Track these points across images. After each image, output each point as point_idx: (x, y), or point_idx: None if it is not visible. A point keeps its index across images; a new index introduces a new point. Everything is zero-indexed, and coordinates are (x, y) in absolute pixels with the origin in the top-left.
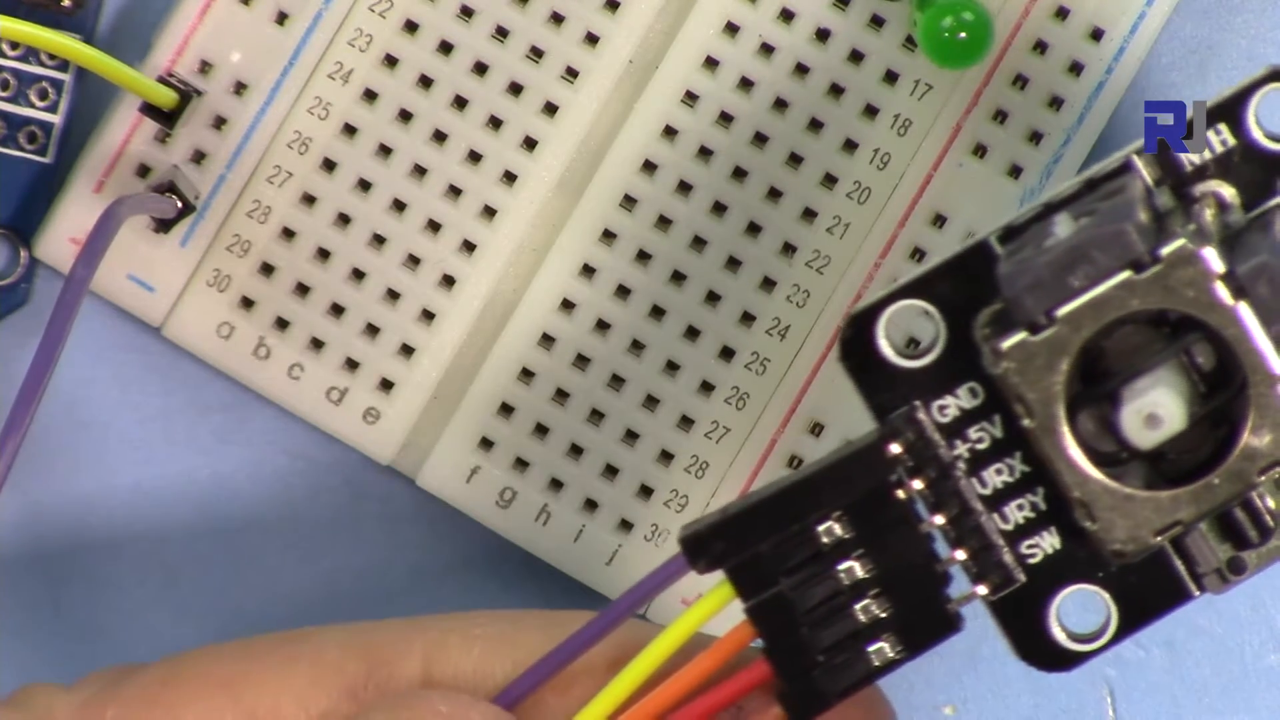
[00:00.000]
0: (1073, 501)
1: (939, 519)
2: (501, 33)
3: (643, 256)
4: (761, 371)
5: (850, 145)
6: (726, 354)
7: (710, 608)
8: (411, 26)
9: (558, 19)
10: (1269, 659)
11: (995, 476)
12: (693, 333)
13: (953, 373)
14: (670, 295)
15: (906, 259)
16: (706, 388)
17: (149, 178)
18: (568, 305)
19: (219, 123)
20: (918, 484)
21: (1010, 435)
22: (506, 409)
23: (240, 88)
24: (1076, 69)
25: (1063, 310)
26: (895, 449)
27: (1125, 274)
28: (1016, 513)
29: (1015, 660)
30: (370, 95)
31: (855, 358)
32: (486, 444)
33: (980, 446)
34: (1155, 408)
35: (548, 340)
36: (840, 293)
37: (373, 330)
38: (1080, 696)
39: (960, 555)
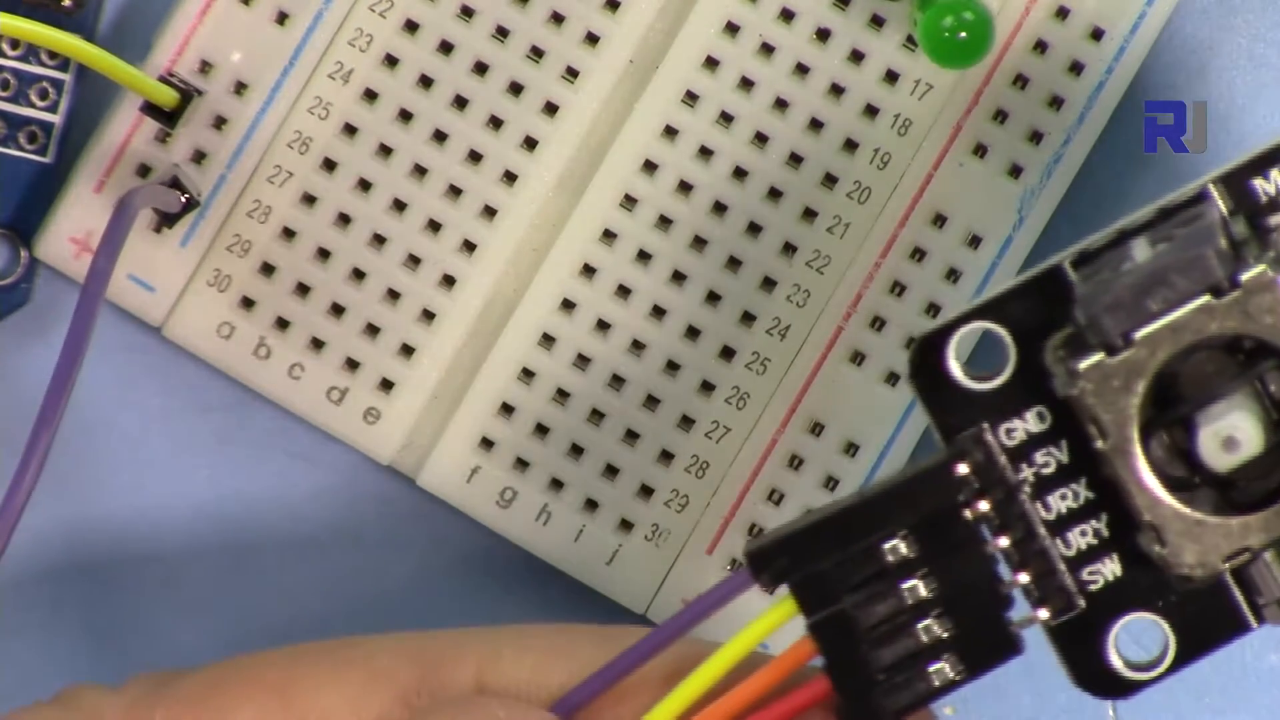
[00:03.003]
0: (1143, 525)
1: (1003, 541)
2: (501, 33)
3: (643, 256)
4: (761, 371)
5: (850, 145)
6: (726, 354)
7: (772, 623)
8: (411, 26)
9: (558, 19)
10: (1269, 659)
11: (1060, 501)
12: (693, 333)
13: (1021, 396)
14: (670, 295)
15: (907, 259)
16: (706, 388)
17: (149, 178)
18: (568, 305)
19: (219, 123)
20: (983, 506)
21: (1076, 461)
22: (506, 409)
23: (240, 88)
24: (1076, 69)
25: (1141, 333)
26: (963, 470)
27: (1204, 299)
28: (1079, 538)
29: (1016, 661)
30: (370, 95)
31: (925, 379)
32: (486, 444)
33: (1046, 471)
34: (1234, 431)
35: (548, 340)
36: (840, 293)
37: (373, 330)
38: (1080, 697)
39: (1023, 579)
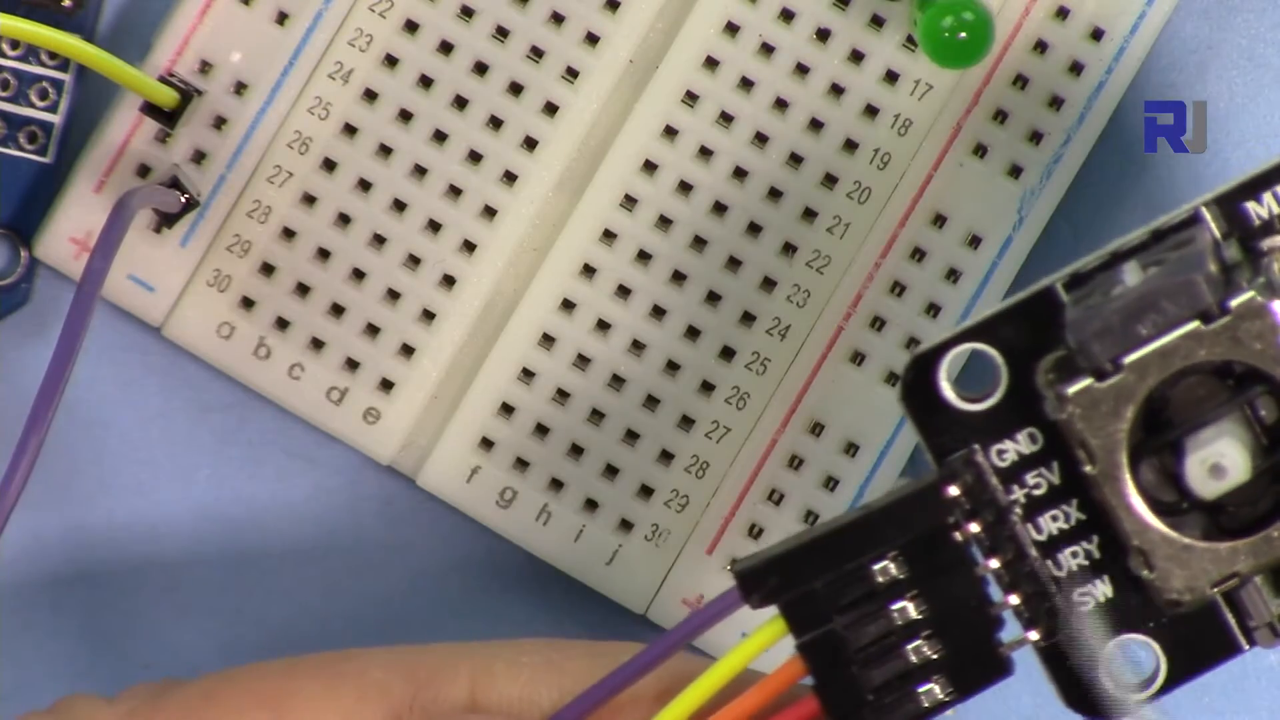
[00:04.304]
0: (1131, 550)
1: (994, 563)
2: (501, 33)
3: (643, 256)
4: (761, 371)
5: (850, 145)
6: (726, 354)
7: (762, 643)
8: (411, 26)
9: (558, 19)
10: (1269, 659)
11: (1051, 523)
12: (693, 333)
13: (1013, 418)
14: (670, 295)
15: (907, 259)
16: (706, 388)
17: (149, 178)
18: (568, 305)
19: (219, 123)
20: (974, 527)
21: (1067, 482)
22: (506, 409)
23: (240, 88)
24: (1076, 69)
25: (1130, 358)
26: (953, 491)
27: (1193, 324)
28: (1070, 560)
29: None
30: (370, 95)
31: (916, 399)
32: (486, 444)
33: (1037, 492)
34: (1220, 458)
35: (548, 340)
36: (840, 293)
37: (373, 330)
38: None
39: (1013, 600)
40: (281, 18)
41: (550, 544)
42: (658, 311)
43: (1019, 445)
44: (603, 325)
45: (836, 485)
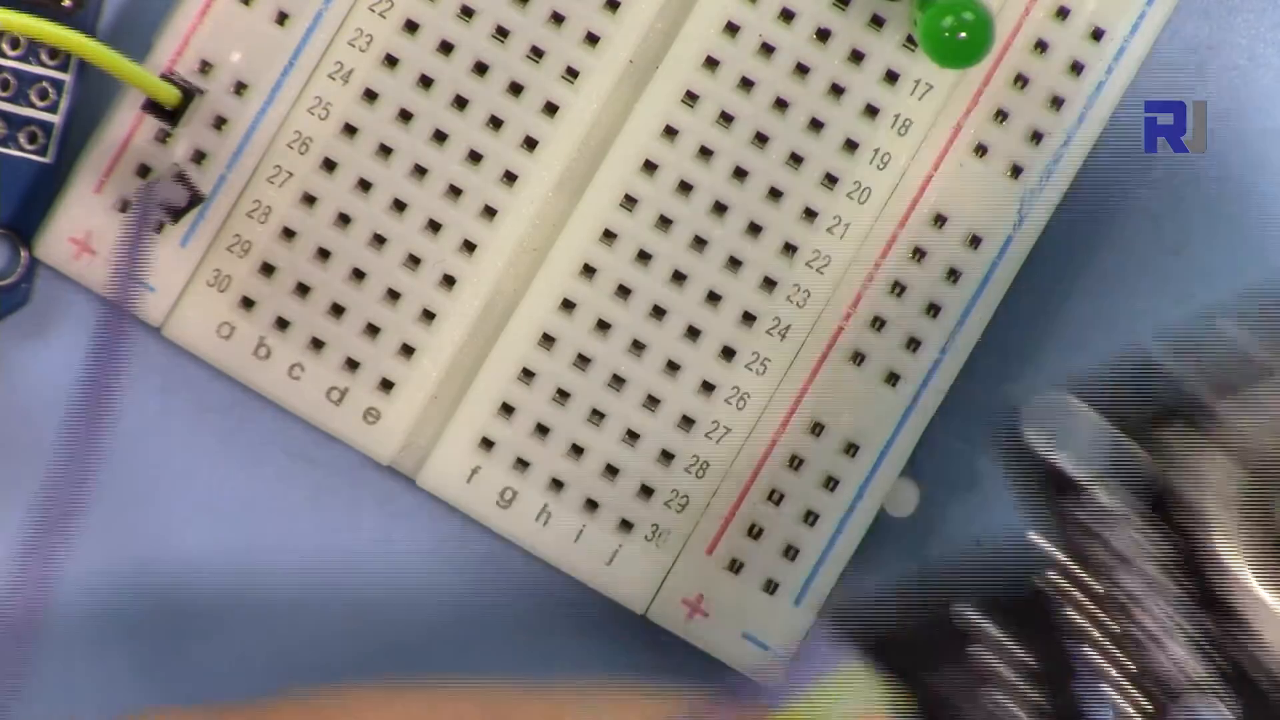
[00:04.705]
0: (1232, 613)
1: (1087, 624)
2: (501, 33)
3: (643, 256)
4: (761, 371)
5: (850, 145)
6: (726, 354)
7: (851, 696)
8: (411, 26)
9: (558, 19)
10: None
11: (1150, 585)
12: (693, 333)
13: (1111, 474)
14: (670, 295)
15: (907, 259)
16: (706, 388)
17: (149, 178)
18: (568, 305)
19: (219, 123)
20: (1072, 589)
21: (1172, 544)
22: (506, 409)
23: (240, 88)
24: (1076, 69)
25: (1234, 414)
26: (1050, 550)
27: None
28: (1170, 625)
29: None
30: (370, 95)
31: (1011, 454)
32: (486, 444)
33: (1137, 553)
34: None
35: (548, 340)
36: (840, 293)
37: (373, 330)
38: None
39: (1105, 663)
40: (281, 18)
41: (550, 544)
42: (658, 311)
43: (1118, 503)
44: (603, 325)
45: (836, 485)
